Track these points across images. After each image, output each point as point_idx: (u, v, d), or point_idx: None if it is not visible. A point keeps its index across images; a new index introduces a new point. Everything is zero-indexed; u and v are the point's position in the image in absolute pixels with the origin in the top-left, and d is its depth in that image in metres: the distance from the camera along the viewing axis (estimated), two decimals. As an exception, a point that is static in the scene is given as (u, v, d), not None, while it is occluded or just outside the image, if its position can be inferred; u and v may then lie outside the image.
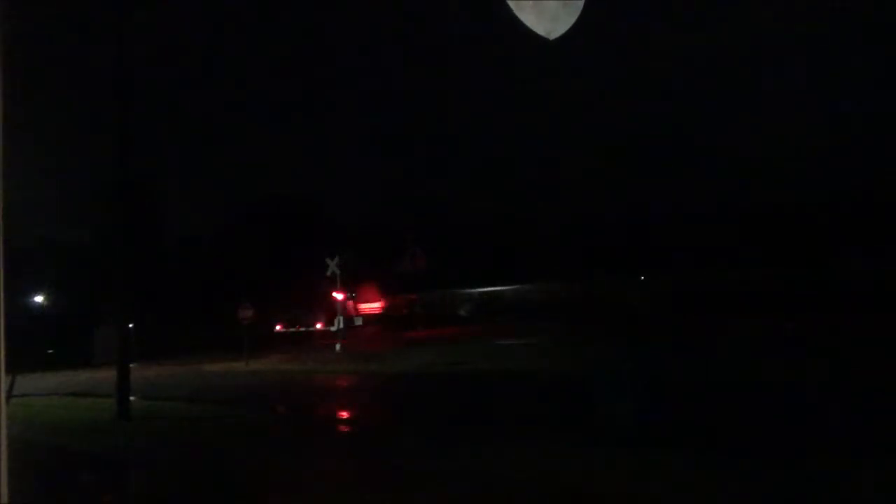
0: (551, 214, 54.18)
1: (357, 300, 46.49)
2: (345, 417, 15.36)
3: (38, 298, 45.24)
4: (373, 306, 52.25)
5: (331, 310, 38.73)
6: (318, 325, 48.33)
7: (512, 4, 3.35)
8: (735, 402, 12.58)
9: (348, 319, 39.41)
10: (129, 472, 10.04)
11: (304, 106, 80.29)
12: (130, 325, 17.03)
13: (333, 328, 37.71)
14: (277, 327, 49.40)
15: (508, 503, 6.97)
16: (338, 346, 34.64)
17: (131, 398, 14.91)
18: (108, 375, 17.72)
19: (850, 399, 11.76)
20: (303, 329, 49.42)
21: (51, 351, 39.81)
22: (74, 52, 59.75)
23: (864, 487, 6.50)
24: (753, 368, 16.69)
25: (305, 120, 78.37)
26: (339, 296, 36.70)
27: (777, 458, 7.73)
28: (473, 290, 52.46)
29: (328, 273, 35.93)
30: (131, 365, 15.59)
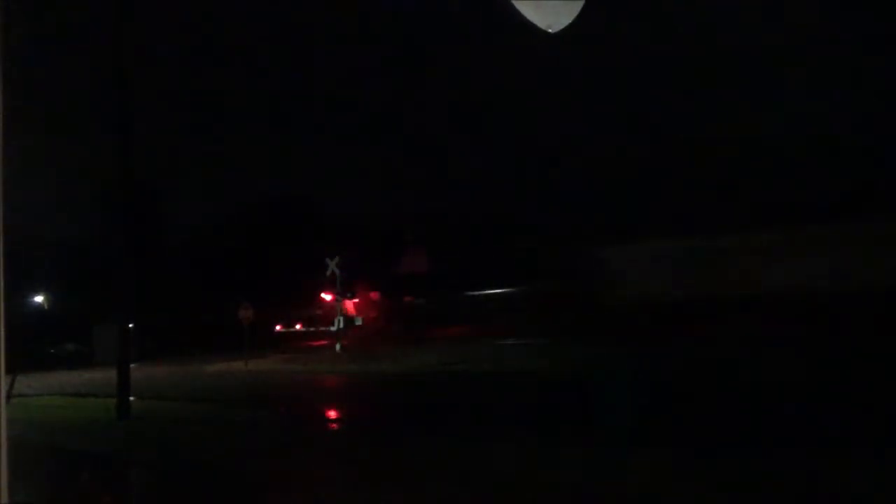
0: (552, 215, 54.16)
1: (356, 300, 46.44)
2: (345, 417, 15.36)
3: (38, 298, 45.21)
4: (373, 307, 52.24)
5: (330, 310, 38.74)
6: (318, 325, 48.35)
7: (515, 3, 3.34)
8: (732, 401, 12.61)
9: (349, 319, 39.44)
10: (129, 471, 10.04)
11: (305, 105, 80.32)
12: (130, 325, 17.03)
13: (333, 328, 37.72)
14: (277, 327, 49.38)
15: (508, 503, 6.97)
16: (338, 346, 34.65)
17: (131, 398, 14.90)
18: (108, 375, 17.70)
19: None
20: (303, 329, 49.42)
21: (51, 351, 39.81)
22: (75, 50, 59.78)
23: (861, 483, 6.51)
24: (742, 367, 16.74)
25: (306, 119, 78.39)
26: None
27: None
28: (475, 291, 52.40)
29: (328, 273, 35.94)
30: (131, 365, 15.58)
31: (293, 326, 50.22)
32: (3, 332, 2.35)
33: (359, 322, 44.29)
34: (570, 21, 3.47)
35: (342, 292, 36.81)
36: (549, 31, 3.46)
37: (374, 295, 49.21)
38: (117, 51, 14.99)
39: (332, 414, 16.16)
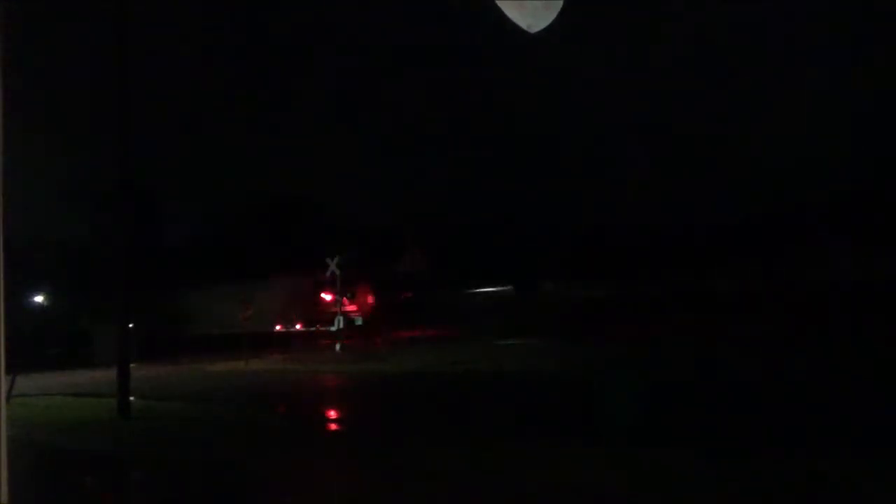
0: (552, 216, 54.19)
1: (355, 300, 46.39)
2: (344, 417, 15.37)
3: (38, 298, 45.19)
4: (372, 306, 52.21)
5: (330, 310, 38.73)
6: (318, 326, 48.32)
7: (500, 3, 3.35)
8: (732, 401, 12.63)
9: (349, 319, 39.44)
10: (129, 471, 10.04)
11: (304, 105, 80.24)
12: (130, 325, 17.01)
13: (333, 328, 37.71)
14: (277, 327, 49.34)
15: (506, 503, 6.98)
16: (338, 346, 34.64)
17: (131, 398, 14.91)
18: (108, 375, 17.70)
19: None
20: (303, 329, 49.36)
21: (52, 351, 39.80)
22: (75, 50, 59.80)
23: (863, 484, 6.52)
24: (746, 368, 16.76)
25: (305, 119, 78.39)
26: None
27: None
28: (474, 291, 52.43)
29: (328, 273, 35.95)
30: (131, 365, 15.58)
31: (293, 326, 50.17)
32: (3, 332, 2.36)
33: (359, 322, 44.34)
34: (549, 22, 3.48)
35: (342, 292, 36.80)
36: (530, 31, 3.47)
37: (374, 295, 49.19)
38: (118, 54, 14.98)
39: (332, 414, 16.17)
